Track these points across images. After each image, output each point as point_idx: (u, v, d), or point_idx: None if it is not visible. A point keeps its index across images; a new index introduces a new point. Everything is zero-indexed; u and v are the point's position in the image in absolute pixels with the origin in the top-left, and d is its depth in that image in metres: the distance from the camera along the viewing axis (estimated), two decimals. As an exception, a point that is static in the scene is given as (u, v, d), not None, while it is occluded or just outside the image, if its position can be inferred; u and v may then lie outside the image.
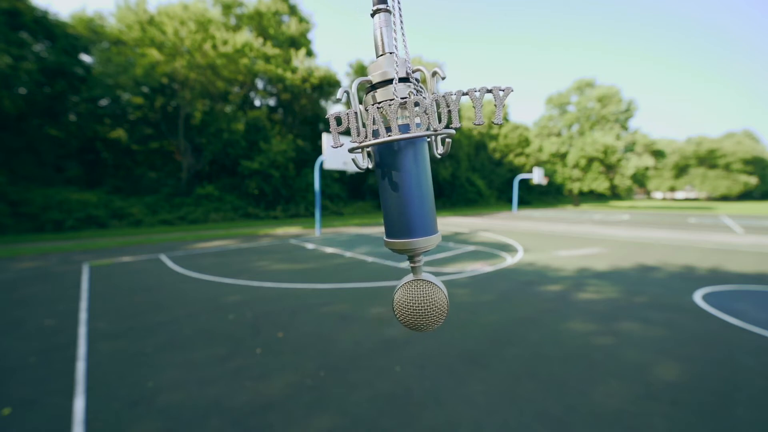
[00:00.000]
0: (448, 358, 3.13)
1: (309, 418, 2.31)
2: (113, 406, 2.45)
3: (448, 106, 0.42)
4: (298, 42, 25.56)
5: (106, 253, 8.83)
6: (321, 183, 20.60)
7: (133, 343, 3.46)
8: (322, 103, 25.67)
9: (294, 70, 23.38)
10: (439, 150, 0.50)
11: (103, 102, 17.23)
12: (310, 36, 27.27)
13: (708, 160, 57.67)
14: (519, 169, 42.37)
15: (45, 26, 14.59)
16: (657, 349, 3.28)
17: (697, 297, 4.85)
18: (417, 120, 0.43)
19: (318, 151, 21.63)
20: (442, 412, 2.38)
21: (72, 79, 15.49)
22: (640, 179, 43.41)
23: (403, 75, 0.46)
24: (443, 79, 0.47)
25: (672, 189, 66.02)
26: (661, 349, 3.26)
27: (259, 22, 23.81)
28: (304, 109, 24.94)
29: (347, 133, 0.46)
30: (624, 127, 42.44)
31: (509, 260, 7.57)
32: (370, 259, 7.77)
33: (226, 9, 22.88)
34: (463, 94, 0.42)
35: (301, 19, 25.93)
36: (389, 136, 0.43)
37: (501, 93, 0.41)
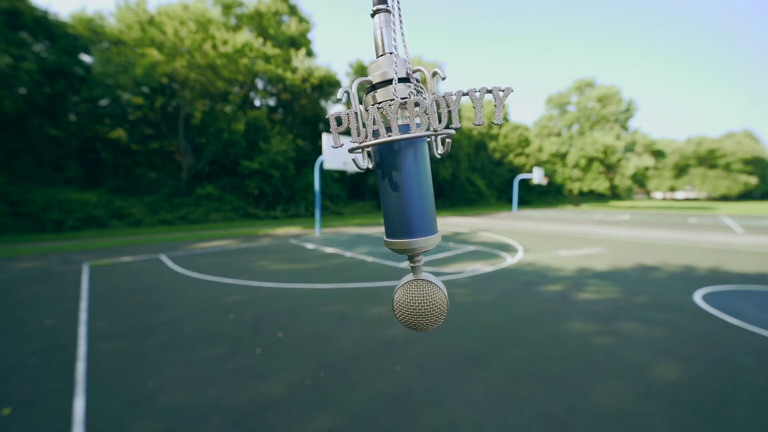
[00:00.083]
0: (448, 358, 3.13)
1: (309, 418, 2.31)
2: (113, 406, 2.45)
3: (448, 107, 0.42)
4: (298, 42, 25.56)
5: (106, 253, 8.83)
6: (321, 183, 20.60)
7: (133, 343, 3.46)
8: (322, 103, 25.68)
9: (294, 70, 23.38)
10: (439, 150, 0.50)
11: (103, 102, 17.23)
12: (310, 36, 27.29)
13: (708, 160, 57.68)
14: (519, 169, 42.37)
15: (45, 26, 14.60)
16: (657, 349, 3.28)
17: (697, 297, 4.85)
18: (417, 120, 0.43)
19: (318, 151, 21.63)
20: (442, 412, 2.38)
21: (72, 79, 15.49)
22: (640, 179, 43.42)
23: (403, 75, 0.46)
24: (443, 79, 0.47)
25: (672, 189, 66.02)
26: (661, 349, 3.26)
27: (259, 22, 23.81)
28: (304, 109, 24.94)
29: (347, 133, 0.46)
30: (624, 127, 42.45)
31: (509, 260, 7.57)
32: (370, 259, 7.77)
33: (226, 9, 22.89)
34: (463, 94, 0.42)
35: (301, 19, 25.93)
36: (389, 136, 0.43)
37: (501, 93, 0.41)
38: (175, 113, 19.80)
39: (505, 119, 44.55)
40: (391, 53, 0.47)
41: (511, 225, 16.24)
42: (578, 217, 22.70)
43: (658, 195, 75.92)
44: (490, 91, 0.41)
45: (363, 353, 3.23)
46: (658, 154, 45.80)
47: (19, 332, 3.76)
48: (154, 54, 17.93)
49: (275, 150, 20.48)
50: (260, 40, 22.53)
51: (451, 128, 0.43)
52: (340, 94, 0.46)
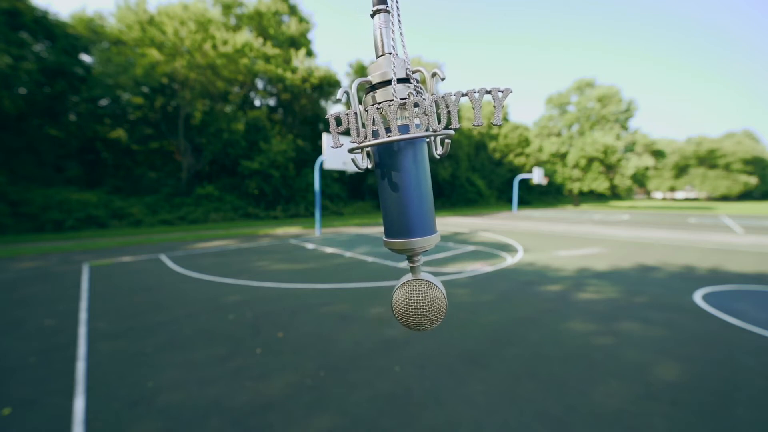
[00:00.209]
0: (448, 358, 3.13)
1: (309, 418, 2.31)
2: (113, 406, 2.45)
3: (448, 107, 0.42)
4: (298, 42, 25.56)
5: (106, 253, 8.84)
6: (321, 183, 20.60)
7: (133, 343, 3.46)
8: (322, 103, 25.69)
9: (294, 70, 23.39)
10: (439, 151, 0.50)
11: (103, 102, 17.23)
12: (310, 36, 27.29)
13: (708, 160, 57.68)
14: (519, 169, 42.38)
15: (45, 26, 14.60)
16: (657, 349, 3.28)
17: (697, 297, 4.85)
18: (416, 121, 0.43)
19: (318, 151, 21.63)
20: (442, 412, 2.38)
21: (72, 79, 15.49)
22: (640, 179, 43.42)
23: (403, 76, 0.46)
24: (443, 80, 0.47)
25: (672, 189, 66.02)
26: (661, 349, 3.26)
27: (259, 22, 23.82)
28: (304, 109, 24.95)
29: (347, 133, 0.46)
30: (624, 127, 42.45)
31: (509, 260, 7.57)
32: (370, 259, 7.77)
33: (226, 9, 22.89)
34: (463, 95, 0.42)
35: (301, 19, 25.93)
36: (389, 136, 0.43)
37: (500, 94, 0.41)
38: (175, 113, 19.80)
39: (505, 119, 44.57)
40: (390, 54, 0.47)
41: (511, 225, 16.24)
42: (578, 217, 22.70)
43: (658, 195, 75.93)
44: (489, 92, 0.41)
45: (363, 353, 3.23)
46: (658, 154, 45.81)
47: (19, 332, 3.77)
48: (154, 54, 17.93)
49: (275, 150, 20.48)
50: (260, 40, 22.53)
51: (451, 129, 0.43)
52: (339, 94, 0.46)
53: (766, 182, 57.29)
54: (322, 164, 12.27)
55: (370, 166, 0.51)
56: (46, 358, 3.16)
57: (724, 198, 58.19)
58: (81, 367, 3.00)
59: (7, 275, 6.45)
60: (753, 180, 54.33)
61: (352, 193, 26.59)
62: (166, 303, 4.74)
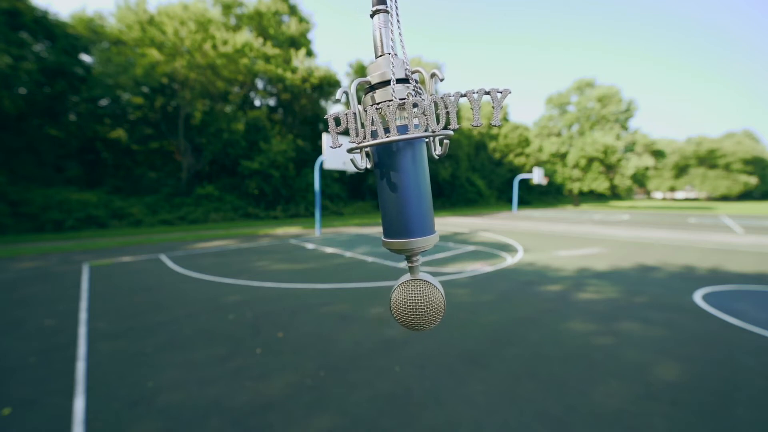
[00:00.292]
0: (448, 358, 3.13)
1: (309, 418, 2.31)
2: (113, 406, 2.45)
3: (446, 108, 0.42)
4: (298, 42, 25.56)
5: (106, 253, 8.84)
6: (321, 183, 20.60)
7: (133, 343, 3.46)
8: (322, 103, 25.68)
9: (294, 70, 23.38)
10: (437, 151, 0.50)
11: (103, 102, 17.23)
12: (310, 36, 27.29)
13: (708, 160, 57.68)
14: (519, 169, 42.37)
15: (45, 26, 14.59)
16: (657, 349, 3.28)
17: (697, 297, 4.85)
18: (415, 121, 0.43)
19: (318, 151, 21.62)
20: (442, 412, 2.38)
21: (72, 79, 15.49)
22: (640, 179, 43.42)
23: (402, 76, 0.46)
24: (441, 80, 0.47)
25: (672, 189, 66.02)
26: (661, 349, 3.26)
27: (259, 22, 23.82)
28: (304, 109, 24.95)
29: (346, 133, 0.46)
30: (624, 127, 42.45)
31: (509, 260, 7.57)
32: (370, 259, 7.77)
33: (226, 9, 22.89)
34: (462, 95, 0.42)
35: (301, 19, 25.93)
36: (388, 136, 0.43)
37: (499, 95, 0.41)
38: (175, 113, 19.80)
39: (505, 119, 44.59)
40: (389, 54, 0.47)
41: (511, 225, 16.24)
42: (578, 217, 22.70)
43: (658, 195, 75.92)
44: (488, 93, 0.41)
45: (363, 353, 3.23)
46: (658, 154, 45.80)
47: (19, 332, 3.77)
48: (154, 54, 17.93)
49: (275, 150, 20.48)
50: (260, 40, 22.53)
51: (449, 129, 0.43)
52: (339, 94, 0.46)
53: (766, 182, 57.28)
54: (322, 164, 12.27)
55: (369, 167, 0.51)
56: (46, 358, 3.16)
57: (724, 198, 58.19)
58: (81, 367, 3.00)
59: (7, 275, 6.45)
60: (753, 180, 54.33)
61: (352, 193, 26.59)
62: (166, 303, 4.74)
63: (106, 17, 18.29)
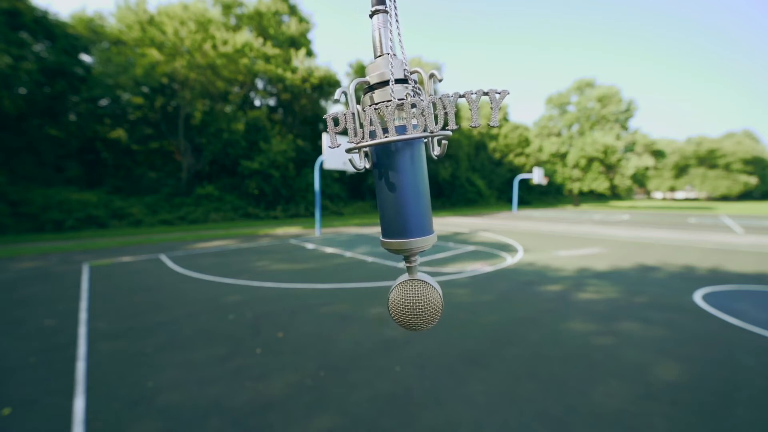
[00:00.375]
0: (448, 358, 3.13)
1: (309, 418, 2.31)
2: (113, 406, 2.45)
3: (445, 108, 0.42)
4: (298, 42, 25.56)
5: (106, 253, 8.84)
6: (321, 183, 20.60)
7: (133, 343, 3.46)
8: (322, 103, 25.68)
9: (294, 70, 23.39)
10: (436, 151, 0.50)
11: (103, 102, 17.23)
12: (310, 36, 27.29)
13: (708, 160, 57.68)
14: (519, 169, 42.38)
15: (45, 26, 14.60)
16: (657, 349, 3.28)
17: (697, 297, 4.85)
18: (414, 121, 0.43)
19: (318, 151, 21.63)
20: (442, 412, 2.38)
21: (72, 79, 15.49)
22: (640, 179, 43.43)
23: (401, 76, 0.46)
24: (440, 81, 0.47)
25: (672, 189, 66.02)
26: (661, 349, 3.26)
27: (259, 22, 23.82)
28: (304, 109, 24.95)
29: (345, 133, 0.46)
30: (624, 127, 42.45)
31: (509, 260, 7.57)
32: (370, 259, 7.77)
33: (226, 9, 22.89)
34: (460, 96, 0.42)
35: (301, 19, 25.93)
36: (386, 137, 0.43)
37: (497, 96, 0.41)
38: (175, 113, 19.81)
39: (505, 119, 44.59)
40: (389, 54, 0.47)
41: (511, 225, 16.24)
42: (578, 217, 22.70)
43: (658, 195, 75.92)
44: (486, 94, 0.41)
45: (363, 353, 3.23)
46: (658, 154, 45.80)
47: (19, 332, 3.77)
48: (154, 54, 17.93)
49: (275, 150, 20.48)
50: (260, 40, 22.53)
51: (448, 130, 0.44)
52: (337, 94, 0.46)
53: (766, 182, 57.28)
54: (322, 164, 12.27)
55: (368, 167, 0.51)
56: (46, 358, 3.16)
57: (724, 198, 58.19)
58: (81, 367, 3.00)
59: (7, 275, 6.45)
60: (753, 180, 54.33)
61: (352, 193, 26.59)
62: (166, 303, 4.74)
63: (106, 17, 18.30)
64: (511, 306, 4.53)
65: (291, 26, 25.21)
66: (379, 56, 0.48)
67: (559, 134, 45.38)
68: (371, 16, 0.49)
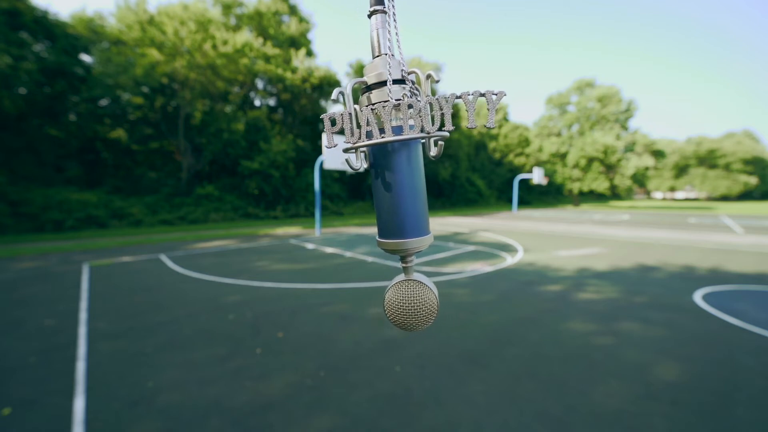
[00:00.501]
0: (448, 358, 3.13)
1: (309, 418, 2.31)
2: (113, 406, 2.45)
3: (441, 109, 0.42)
4: (298, 42, 25.57)
5: (106, 253, 8.84)
6: (321, 183, 20.60)
7: (133, 343, 3.46)
8: (322, 103, 25.68)
9: (294, 70, 23.39)
10: (432, 152, 0.50)
11: (103, 102, 17.23)
12: (310, 36, 27.30)
13: (708, 160, 57.67)
14: (519, 169, 42.37)
15: (45, 26, 14.60)
16: (657, 349, 3.28)
17: (697, 297, 4.85)
18: (411, 122, 0.43)
19: (318, 151, 21.64)
20: (442, 412, 2.38)
21: (72, 79, 15.49)
22: (640, 179, 43.42)
23: (398, 77, 0.46)
24: (437, 82, 0.47)
25: (672, 189, 66.02)
26: (661, 349, 3.26)
27: (259, 22, 23.82)
28: (304, 109, 24.95)
29: (342, 133, 0.46)
30: (624, 127, 42.45)
31: (509, 260, 7.57)
32: (370, 259, 7.77)
33: (226, 9, 22.89)
34: (457, 97, 0.42)
35: (301, 19, 25.93)
36: (382, 137, 0.43)
37: (494, 97, 0.41)
38: (175, 113, 19.80)
39: (505, 119, 44.58)
40: (387, 54, 0.47)
41: (511, 225, 16.24)
42: (578, 217, 22.69)
43: (658, 195, 75.91)
44: (483, 95, 0.41)
45: (363, 353, 3.23)
46: (658, 154, 45.80)
47: (19, 332, 3.77)
48: (154, 54, 17.93)
49: (275, 150, 20.48)
50: (260, 40, 22.53)
51: (444, 131, 0.44)
52: (334, 95, 0.46)
53: (766, 182, 57.27)
54: (322, 164, 12.28)
55: (365, 167, 0.51)
56: (46, 358, 3.16)
57: (724, 198, 58.18)
58: (81, 367, 3.00)
59: (7, 275, 6.45)
60: (753, 180, 54.32)
61: (352, 193, 26.59)
62: (166, 303, 4.74)
63: (106, 17, 18.30)
64: (511, 306, 4.53)
65: (291, 26, 25.21)
66: (377, 56, 0.48)
67: (559, 134, 45.38)
68: (370, 16, 0.49)
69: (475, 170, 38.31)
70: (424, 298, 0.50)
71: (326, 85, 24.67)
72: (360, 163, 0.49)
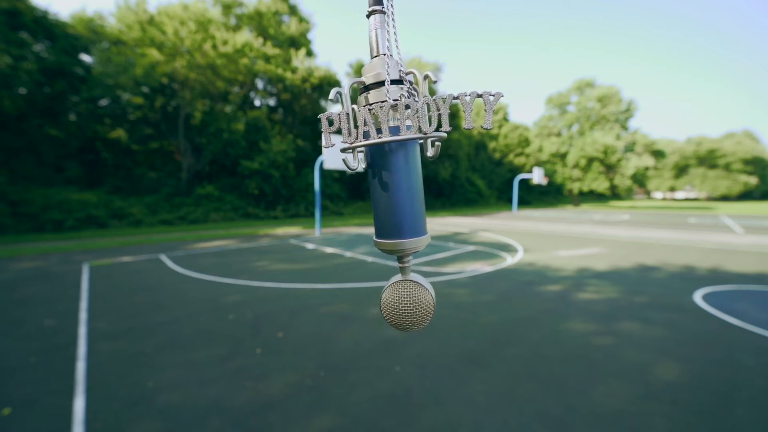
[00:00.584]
0: (448, 358, 3.13)
1: (309, 418, 2.31)
2: (113, 406, 2.45)
3: (438, 110, 0.42)
4: (298, 42, 25.56)
5: (106, 253, 8.84)
6: (321, 183, 20.59)
7: (133, 343, 3.46)
8: (322, 103, 25.67)
9: (294, 70, 23.38)
10: (429, 153, 0.50)
11: (103, 102, 17.23)
12: (310, 36, 27.29)
13: (708, 160, 57.66)
14: (519, 169, 42.37)
15: (45, 26, 14.60)
16: (657, 349, 3.28)
17: (697, 297, 4.85)
18: (408, 122, 0.43)
19: (318, 151, 21.64)
20: (442, 412, 2.38)
21: (72, 79, 15.49)
22: (640, 179, 43.41)
23: (396, 77, 0.46)
24: (435, 82, 0.47)
25: (672, 189, 66.01)
26: (661, 349, 3.26)
27: (259, 22, 23.81)
28: (304, 109, 24.94)
29: (340, 133, 0.46)
30: (624, 127, 42.45)
31: (509, 260, 7.57)
32: (370, 259, 7.77)
33: (226, 9, 22.88)
34: (454, 98, 0.42)
35: (301, 19, 25.93)
36: (379, 137, 0.43)
37: (491, 98, 0.41)
38: (175, 113, 19.80)
39: (505, 119, 44.58)
40: (385, 55, 0.47)
41: (511, 225, 16.24)
42: (578, 217, 22.69)
43: (658, 195, 75.90)
44: (480, 96, 0.41)
45: (363, 353, 3.23)
46: (658, 154, 45.80)
47: (19, 332, 3.77)
48: (154, 54, 17.93)
49: (275, 150, 20.48)
50: (260, 40, 22.53)
51: (441, 131, 0.44)
52: (332, 94, 0.46)
53: (766, 182, 57.26)
54: (322, 164, 12.27)
55: (363, 167, 0.51)
56: (46, 358, 3.16)
57: (724, 198, 58.17)
58: (81, 367, 3.00)
59: (7, 275, 6.45)
60: (753, 180, 54.32)
61: (352, 193, 26.59)
62: (166, 303, 4.74)
63: (106, 17, 18.30)
64: (511, 306, 4.53)
65: (291, 26, 25.21)
66: (376, 57, 0.48)
67: (559, 134, 45.38)
68: (368, 16, 0.49)
69: (475, 170, 38.31)
70: (421, 298, 0.50)
71: (326, 85, 24.67)
72: (357, 163, 0.49)
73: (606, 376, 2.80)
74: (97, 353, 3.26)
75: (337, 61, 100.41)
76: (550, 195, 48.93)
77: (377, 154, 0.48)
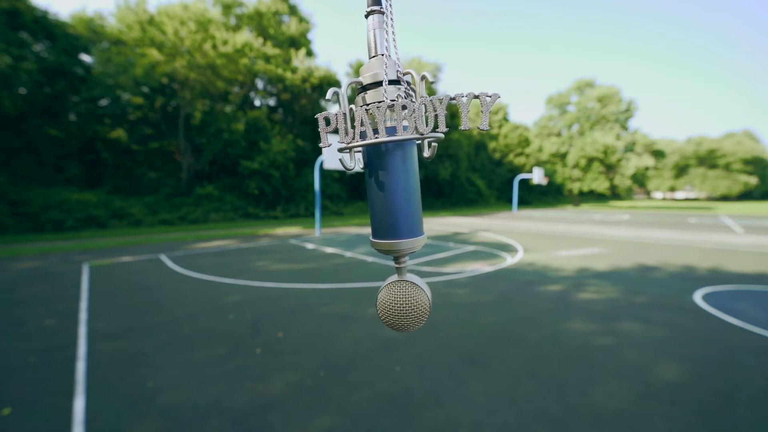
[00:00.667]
0: (448, 358, 3.13)
1: (309, 418, 2.31)
2: (113, 406, 2.45)
3: (435, 111, 0.42)
4: (298, 42, 25.56)
5: (106, 253, 8.84)
6: (321, 183, 20.59)
7: (133, 343, 3.46)
8: (322, 103, 25.68)
9: (294, 70, 23.38)
10: (426, 153, 0.50)
11: (103, 102, 17.23)
12: (310, 36, 27.29)
13: (708, 160, 57.65)
14: (519, 169, 42.36)
15: (45, 26, 14.60)
16: (657, 349, 3.28)
17: (697, 297, 4.85)
18: (405, 123, 0.43)
19: (318, 151, 21.63)
20: (442, 412, 2.38)
21: (72, 79, 15.49)
22: (640, 179, 43.41)
23: (393, 77, 0.46)
24: (432, 83, 0.47)
25: (672, 189, 66.00)
26: (661, 349, 3.26)
27: (259, 22, 23.81)
28: (304, 109, 24.94)
29: (337, 132, 0.46)
30: (624, 127, 42.44)
31: (509, 260, 7.57)
32: (370, 259, 7.77)
33: (226, 9, 22.88)
34: (451, 99, 0.42)
35: (301, 19, 25.93)
36: (376, 138, 0.43)
37: (488, 99, 0.41)
38: (175, 113, 19.80)
39: (505, 119, 44.57)
40: (383, 55, 0.47)
41: (511, 225, 16.24)
42: (578, 217, 22.69)
43: (658, 195, 75.89)
44: (477, 97, 0.41)
45: (363, 353, 3.23)
46: (658, 154, 45.79)
47: (19, 332, 3.77)
48: (154, 54, 17.93)
49: (275, 150, 20.48)
50: (260, 40, 22.53)
51: (438, 132, 0.43)
52: (329, 94, 0.46)
53: (766, 182, 57.25)
54: (322, 164, 12.27)
55: (360, 167, 0.51)
56: (46, 358, 3.16)
57: (724, 198, 58.16)
58: (81, 367, 3.00)
59: (7, 275, 6.45)
60: (753, 180, 54.31)
61: (352, 193, 26.58)
62: (166, 303, 4.74)
63: (106, 17, 18.30)
64: (511, 306, 4.53)
65: (291, 26, 25.20)
66: (374, 57, 0.48)
67: (559, 134, 45.37)
68: (367, 16, 0.49)
69: (475, 170, 38.30)
70: (417, 299, 0.49)
71: (326, 85, 24.64)
72: (354, 163, 0.49)
73: (606, 376, 2.80)
74: (97, 353, 3.26)
75: (337, 61, 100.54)
76: (550, 195, 48.92)
77: (374, 155, 0.48)
